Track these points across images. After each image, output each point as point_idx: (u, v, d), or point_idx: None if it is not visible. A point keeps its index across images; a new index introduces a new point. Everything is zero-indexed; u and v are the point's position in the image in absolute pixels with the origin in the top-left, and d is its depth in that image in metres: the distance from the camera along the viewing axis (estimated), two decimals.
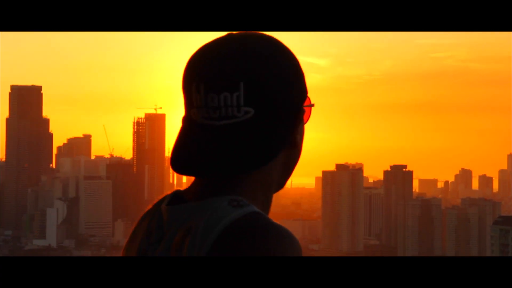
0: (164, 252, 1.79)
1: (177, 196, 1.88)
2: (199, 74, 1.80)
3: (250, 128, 1.78)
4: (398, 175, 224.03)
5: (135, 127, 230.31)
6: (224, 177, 1.80)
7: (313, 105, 1.92)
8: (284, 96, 1.82)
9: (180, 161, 1.81)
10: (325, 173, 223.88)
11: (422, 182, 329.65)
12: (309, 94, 1.91)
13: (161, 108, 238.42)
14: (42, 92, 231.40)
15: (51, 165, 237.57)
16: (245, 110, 1.77)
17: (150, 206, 1.91)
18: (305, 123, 1.91)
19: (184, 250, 1.74)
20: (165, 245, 1.79)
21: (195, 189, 1.85)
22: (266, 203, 1.87)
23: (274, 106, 1.81)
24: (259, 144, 1.79)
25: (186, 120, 1.85)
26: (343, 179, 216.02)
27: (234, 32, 1.88)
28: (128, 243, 1.90)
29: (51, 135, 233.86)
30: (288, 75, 1.84)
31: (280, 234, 1.71)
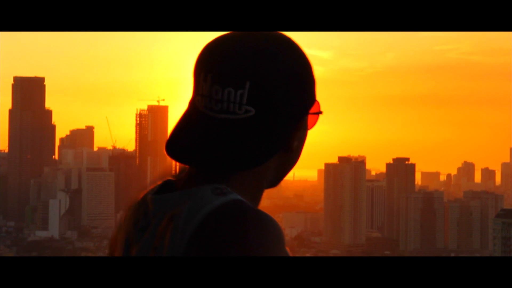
0: (149, 239, 1.81)
1: (167, 185, 1.90)
2: (209, 64, 1.81)
3: (248, 127, 1.79)
4: (401, 168, 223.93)
5: (138, 119, 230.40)
6: (213, 170, 1.81)
7: (320, 112, 1.91)
8: (289, 102, 1.82)
9: (174, 145, 1.84)
10: (327, 165, 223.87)
11: (424, 175, 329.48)
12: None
13: (163, 100, 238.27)
14: (45, 83, 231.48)
15: (53, 156, 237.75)
16: (246, 109, 1.78)
17: (140, 195, 1.94)
18: (309, 129, 1.91)
19: (167, 237, 1.76)
20: (150, 233, 1.81)
21: (184, 178, 1.87)
22: (256, 197, 1.88)
23: (276, 109, 1.81)
24: (252, 145, 1.80)
25: (190, 104, 1.87)
26: (345, 171, 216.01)
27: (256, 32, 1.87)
28: (118, 230, 1.93)
29: (53, 127, 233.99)
30: (297, 82, 1.83)
31: (261, 220, 1.72)
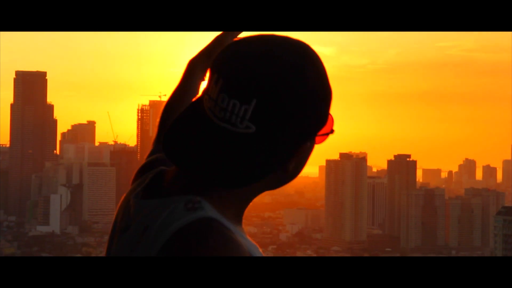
0: (127, 242, 1.85)
1: (157, 178, 1.92)
2: (223, 69, 1.77)
3: (245, 143, 1.75)
4: (402, 165, 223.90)
5: (140, 114, 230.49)
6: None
7: (331, 132, 1.85)
8: (294, 126, 1.76)
9: (170, 141, 1.83)
10: (328, 162, 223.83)
11: (426, 172, 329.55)
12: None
13: (165, 95, 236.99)
14: (46, 78, 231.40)
15: (55, 151, 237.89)
16: (246, 125, 1.74)
17: (140, 168, 2.02)
18: (317, 144, 1.87)
19: (140, 247, 1.79)
20: (129, 235, 1.85)
21: (171, 176, 1.88)
22: (240, 208, 1.85)
23: (278, 132, 1.76)
24: (244, 163, 1.75)
25: (200, 97, 1.85)
26: (346, 168, 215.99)
27: (279, 35, 1.81)
28: (119, 206, 1.97)
29: (55, 121, 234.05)
30: (308, 109, 1.77)
31: (222, 244, 1.70)
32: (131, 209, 1.87)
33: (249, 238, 1.84)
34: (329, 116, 1.83)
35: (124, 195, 1.96)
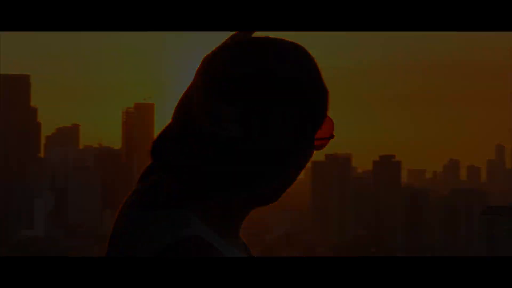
0: (120, 251, 1.77)
1: (156, 183, 1.78)
2: (208, 71, 1.69)
3: (231, 148, 1.66)
4: (387, 166, 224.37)
5: (124, 116, 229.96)
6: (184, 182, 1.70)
7: (332, 137, 1.77)
8: (284, 128, 1.67)
9: (157, 144, 1.76)
10: (314, 163, 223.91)
11: (410, 172, 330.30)
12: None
13: (151, 97, 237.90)
14: (30, 81, 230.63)
15: (39, 154, 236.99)
16: (231, 128, 1.65)
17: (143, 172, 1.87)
18: (316, 150, 1.79)
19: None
20: (122, 246, 1.77)
21: (167, 182, 1.76)
22: (230, 220, 1.74)
23: (266, 137, 1.66)
24: (232, 170, 1.67)
25: (190, 98, 1.75)
26: (332, 169, 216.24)
27: (270, 37, 1.72)
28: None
29: (39, 125, 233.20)
30: (300, 107, 1.69)
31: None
32: (124, 218, 1.77)
33: (240, 254, 1.76)
34: (329, 119, 1.76)
35: (128, 194, 1.85)
